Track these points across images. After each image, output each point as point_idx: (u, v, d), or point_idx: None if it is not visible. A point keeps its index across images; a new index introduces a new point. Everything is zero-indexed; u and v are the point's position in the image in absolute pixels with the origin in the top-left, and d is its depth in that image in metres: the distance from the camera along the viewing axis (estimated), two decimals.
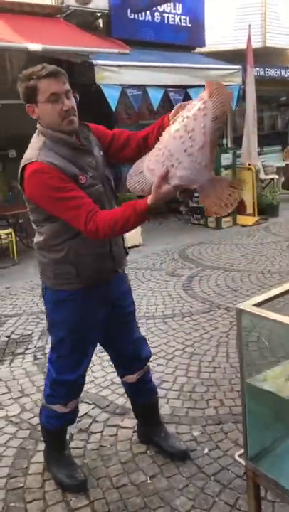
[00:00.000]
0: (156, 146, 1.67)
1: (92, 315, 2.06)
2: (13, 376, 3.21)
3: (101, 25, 7.43)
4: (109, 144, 2.02)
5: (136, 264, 5.82)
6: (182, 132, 1.55)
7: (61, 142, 1.85)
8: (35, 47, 5.08)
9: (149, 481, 2.20)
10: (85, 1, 6.95)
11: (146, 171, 1.67)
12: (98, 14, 7.33)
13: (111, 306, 2.12)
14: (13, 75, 7.97)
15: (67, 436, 2.37)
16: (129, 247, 6.40)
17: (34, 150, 1.83)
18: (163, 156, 1.60)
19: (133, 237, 6.59)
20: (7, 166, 8.28)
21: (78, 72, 7.28)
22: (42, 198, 1.80)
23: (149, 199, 1.68)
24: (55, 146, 1.83)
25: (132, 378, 2.30)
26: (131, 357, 2.26)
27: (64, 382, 2.12)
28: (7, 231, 6.20)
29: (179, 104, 1.68)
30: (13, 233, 6.15)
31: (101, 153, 1.99)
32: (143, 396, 2.38)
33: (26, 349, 3.62)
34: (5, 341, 3.78)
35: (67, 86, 1.81)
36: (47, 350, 3.51)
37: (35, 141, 1.87)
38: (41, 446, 2.44)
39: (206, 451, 2.37)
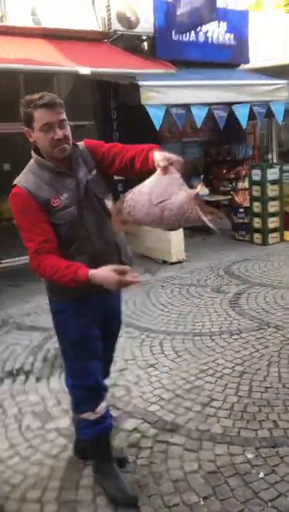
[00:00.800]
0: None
1: (89, 324, 2.11)
2: (63, 389, 3.24)
3: (146, 47, 7.61)
4: (101, 160, 2.08)
5: (180, 280, 5.81)
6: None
7: (42, 166, 2.00)
8: (84, 70, 5.26)
9: (202, 503, 2.15)
10: (131, 26, 7.15)
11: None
12: (144, 37, 7.52)
13: (107, 311, 2.21)
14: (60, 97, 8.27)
15: (118, 452, 2.35)
16: (173, 263, 6.47)
17: (22, 173, 2.03)
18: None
19: (176, 252, 6.59)
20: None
21: (124, 93, 7.49)
22: (14, 217, 2.00)
23: (91, 274, 1.84)
24: (38, 169, 2.00)
25: None
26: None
27: (82, 387, 2.16)
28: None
29: (164, 157, 1.73)
30: None
31: (92, 173, 2.05)
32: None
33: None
34: (53, 354, 3.84)
35: (63, 116, 1.92)
36: None
37: (28, 164, 2.06)
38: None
39: (261, 475, 2.28)
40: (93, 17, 7.08)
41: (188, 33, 7.61)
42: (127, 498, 2.15)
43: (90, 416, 2.17)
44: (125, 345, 3.85)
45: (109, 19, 7.09)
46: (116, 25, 7.08)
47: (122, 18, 7.09)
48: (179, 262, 6.58)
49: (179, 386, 3.18)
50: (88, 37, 6.82)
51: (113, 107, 7.46)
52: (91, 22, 7.04)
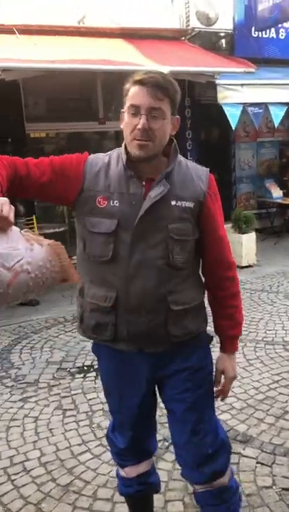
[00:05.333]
0: None
1: (121, 372, 1.66)
2: None
3: (224, 44, 7.47)
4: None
5: (250, 285, 5.66)
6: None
7: (119, 156, 1.56)
8: (163, 69, 5.23)
9: None
10: (209, 22, 7.05)
11: None
12: (222, 34, 7.38)
13: (153, 368, 1.64)
14: None
15: None
16: (243, 267, 6.31)
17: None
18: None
19: (247, 256, 6.43)
20: None
21: (199, 91, 7.41)
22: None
23: None
24: (115, 158, 1.57)
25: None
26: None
27: (111, 443, 1.85)
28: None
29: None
30: None
31: (185, 204, 1.52)
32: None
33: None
34: None
35: (161, 105, 1.43)
36: None
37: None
38: (162, 464, 2.44)
39: None
40: (171, 14, 7.05)
41: (268, 30, 7.37)
42: None
43: (120, 470, 1.87)
44: None
45: (187, 16, 7.03)
46: (194, 23, 7.01)
47: (201, 15, 7.00)
48: (250, 266, 6.41)
49: (250, 396, 3.09)
50: (166, 35, 6.80)
51: (187, 105, 7.40)
52: (169, 20, 7.01)
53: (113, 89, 7.95)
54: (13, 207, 1.18)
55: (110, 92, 7.46)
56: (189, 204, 1.53)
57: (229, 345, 1.71)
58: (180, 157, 1.59)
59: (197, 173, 1.58)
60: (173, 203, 1.51)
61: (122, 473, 1.85)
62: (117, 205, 1.50)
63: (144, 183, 1.52)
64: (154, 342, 1.57)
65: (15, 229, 1.20)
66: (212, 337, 1.74)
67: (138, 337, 1.56)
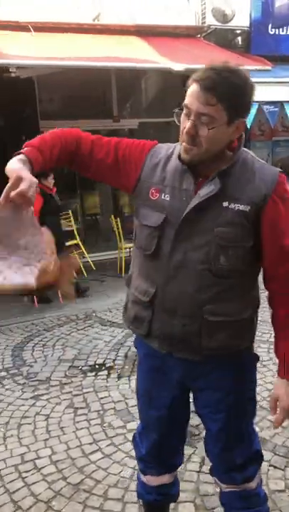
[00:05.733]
0: None
1: (154, 370, 1.61)
2: None
3: (240, 42, 7.40)
4: None
5: None
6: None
7: (177, 151, 1.47)
8: (178, 67, 5.21)
9: None
10: (226, 20, 6.99)
11: None
12: (238, 32, 7.32)
13: (184, 376, 1.57)
14: (146, 96, 8.33)
15: None
16: None
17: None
18: None
19: None
20: None
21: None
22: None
23: (20, 156, 1.34)
24: (175, 153, 1.48)
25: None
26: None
27: (136, 447, 1.79)
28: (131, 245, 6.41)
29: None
30: None
31: (238, 206, 1.37)
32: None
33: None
34: (134, 352, 3.84)
35: (213, 111, 1.29)
36: None
37: None
38: None
39: None
40: (187, 12, 7.01)
41: (285, 27, 7.28)
42: None
43: (140, 474, 1.82)
44: None
45: (203, 13, 6.98)
46: (210, 20, 6.97)
47: (217, 12, 6.95)
48: None
49: (263, 397, 3.05)
50: (181, 32, 6.77)
51: None
52: (184, 17, 6.97)
53: (128, 86, 7.96)
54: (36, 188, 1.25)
55: (125, 90, 7.46)
56: (244, 207, 1.37)
57: (284, 370, 1.50)
58: (247, 155, 1.44)
59: (262, 175, 1.40)
60: (225, 204, 1.37)
61: (144, 479, 1.79)
62: (168, 199, 1.43)
63: (200, 179, 1.41)
64: (184, 348, 1.47)
65: (30, 212, 1.27)
66: (258, 357, 1.60)
67: (169, 339, 1.49)
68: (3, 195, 1.23)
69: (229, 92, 1.29)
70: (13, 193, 1.22)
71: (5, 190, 1.23)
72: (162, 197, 1.44)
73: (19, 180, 1.23)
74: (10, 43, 5.28)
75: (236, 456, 1.58)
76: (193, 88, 1.31)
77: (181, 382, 1.57)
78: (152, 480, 1.76)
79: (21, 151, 1.34)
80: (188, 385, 1.58)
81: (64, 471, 2.44)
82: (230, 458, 1.59)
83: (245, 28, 7.25)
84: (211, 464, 1.71)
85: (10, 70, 4.57)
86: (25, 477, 2.41)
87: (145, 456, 1.73)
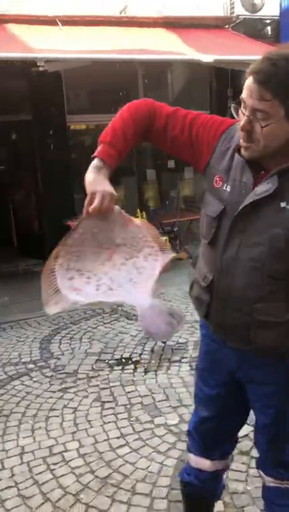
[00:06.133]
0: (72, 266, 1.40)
1: (213, 354, 1.62)
2: (171, 384, 3.23)
3: (269, 32, 7.24)
4: None
5: None
6: (130, 267, 1.43)
7: None
8: (207, 59, 5.13)
9: None
10: (255, 9, 6.84)
11: (68, 290, 1.38)
12: (267, 21, 7.16)
13: (236, 367, 1.57)
14: (173, 89, 8.25)
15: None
16: None
17: None
18: (99, 280, 1.40)
19: None
20: (163, 175, 8.58)
21: (243, 81, 7.22)
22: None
23: (95, 162, 1.40)
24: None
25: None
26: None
27: (194, 419, 1.77)
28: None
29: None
30: (167, 241, 6.31)
31: (281, 205, 1.31)
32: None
33: (182, 357, 3.62)
34: (161, 347, 3.84)
35: (268, 106, 1.22)
36: None
37: None
38: None
39: None
40: (214, 2, 6.89)
41: None
42: None
43: (188, 455, 1.83)
44: None
45: (232, 3, 6.85)
46: (239, 10, 6.83)
47: (246, 2, 6.80)
48: None
49: None
50: (209, 23, 6.66)
51: (230, 96, 7.23)
52: (212, 7, 6.86)
53: (154, 80, 7.89)
54: (113, 194, 1.35)
55: (151, 84, 7.40)
56: None
57: None
58: None
59: None
60: (282, 204, 1.30)
61: (188, 457, 1.80)
62: (228, 190, 1.39)
63: (262, 172, 1.35)
64: (236, 339, 1.47)
65: (115, 211, 1.39)
66: None
67: (223, 328, 1.50)
68: (84, 211, 1.37)
69: (287, 84, 1.19)
70: (90, 209, 1.34)
71: (84, 207, 1.36)
72: (224, 187, 1.40)
73: (93, 195, 1.33)
74: (38, 37, 5.30)
75: (285, 453, 1.56)
76: (248, 81, 1.24)
77: (233, 372, 1.57)
78: (193, 459, 1.76)
79: (95, 153, 1.40)
80: (240, 376, 1.57)
81: (92, 465, 2.45)
82: (278, 454, 1.57)
83: (275, 18, 7.08)
84: (258, 455, 1.69)
85: (38, 64, 4.58)
86: (54, 469, 2.43)
87: (191, 430, 1.75)
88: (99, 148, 1.40)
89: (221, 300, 1.46)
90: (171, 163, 7.74)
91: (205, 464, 1.73)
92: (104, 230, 1.39)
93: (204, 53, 5.38)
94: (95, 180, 1.35)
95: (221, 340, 1.54)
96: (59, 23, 5.67)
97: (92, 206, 1.33)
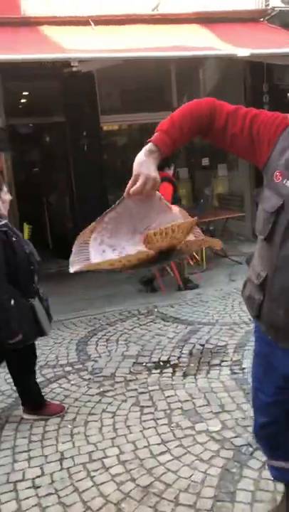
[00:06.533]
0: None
1: (267, 358, 1.60)
2: (212, 388, 3.12)
3: None
4: None
5: None
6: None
7: None
8: (243, 52, 4.98)
9: None
10: None
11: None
12: None
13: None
14: (206, 86, 8.10)
15: None
16: None
17: None
18: None
19: None
20: (197, 174, 8.46)
21: (278, 75, 7.02)
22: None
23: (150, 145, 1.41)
24: None
25: None
26: None
27: (255, 423, 1.79)
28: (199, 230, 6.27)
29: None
30: None
31: None
32: None
33: (222, 361, 3.51)
34: (200, 350, 3.74)
35: None
36: (244, 365, 3.36)
37: None
38: (247, 472, 2.28)
39: None
40: None
41: None
42: None
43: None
44: None
45: None
46: (274, 2, 6.62)
47: None
48: None
49: None
50: (244, 17, 6.48)
51: (265, 91, 7.04)
52: (247, 1, 6.68)
53: (187, 77, 7.79)
54: (156, 180, 1.36)
55: (184, 81, 7.29)
56: None
57: None
58: None
59: None
60: None
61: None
62: (288, 185, 1.36)
63: None
64: (286, 340, 1.45)
65: (156, 196, 1.40)
66: None
67: (274, 328, 1.47)
68: (126, 191, 1.38)
69: None
70: (131, 191, 1.36)
71: (127, 187, 1.38)
72: (284, 182, 1.37)
73: (137, 177, 1.35)
74: (71, 37, 5.28)
75: None
76: None
77: (286, 375, 1.53)
78: (268, 461, 1.80)
79: (151, 138, 1.41)
80: None
81: (132, 472, 2.38)
82: None
83: None
84: None
85: (72, 64, 4.55)
86: (94, 476, 2.37)
87: (255, 434, 1.79)
88: (155, 135, 1.42)
89: (273, 299, 1.44)
90: (205, 161, 7.61)
91: (280, 464, 1.74)
92: (142, 213, 1.40)
93: (239, 47, 5.23)
94: (143, 162, 1.36)
95: (273, 342, 1.51)
96: (92, 23, 5.65)
97: (134, 188, 1.35)
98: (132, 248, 1.36)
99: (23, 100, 7.50)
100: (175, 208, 1.48)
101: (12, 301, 2.49)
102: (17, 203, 6.95)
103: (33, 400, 2.92)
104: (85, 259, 1.37)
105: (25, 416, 2.92)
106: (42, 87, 6.69)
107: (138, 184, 1.34)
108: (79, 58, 4.65)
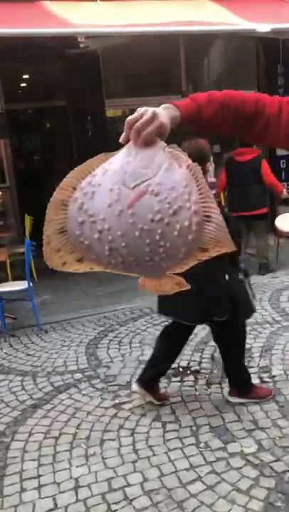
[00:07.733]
0: None
1: None
2: (241, 401, 2.79)
3: None
4: None
5: None
6: (152, 236, 0.97)
7: None
8: (263, 28, 4.59)
9: None
10: None
11: (76, 239, 1.03)
12: None
13: None
14: (216, 67, 7.68)
15: None
16: None
17: None
18: (111, 242, 1.00)
19: None
20: None
21: None
22: None
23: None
24: None
25: None
26: None
27: None
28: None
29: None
30: None
31: None
32: None
33: (248, 367, 3.17)
34: None
35: None
36: (274, 373, 3.04)
37: None
38: None
39: None
40: None
41: None
42: None
43: None
44: None
45: None
46: None
47: None
48: None
49: None
50: None
51: (280, 73, 6.64)
52: None
53: (197, 58, 7.35)
54: (164, 124, 1.01)
55: (194, 63, 6.87)
56: None
57: None
58: None
59: None
60: None
61: None
62: None
63: None
64: None
65: (159, 145, 1.01)
66: None
67: None
68: (125, 127, 1.03)
69: None
70: (135, 126, 1.00)
71: (126, 122, 1.02)
72: None
73: (140, 115, 1.02)
74: (76, 13, 4.87)
75: None
76: None
77: None
78: None
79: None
80: None
81: (160, 506, 2.05)
82: None
83: None
84: None
85: (78, 40, 4.16)
86: (116, 510, 2.05)
87: None
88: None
89: None
90: (216, 148, 7.22)
91: None
92: (137, 165, 1.00)
93: (255, 22, 4.84)
94: (153, 109, 1.04)
95: None
96: None
97: (138, 123, 1.00)
98: (116, 220, 0.98)
99: (22, 84, 7.09)
100: (188, 163, 1.01)
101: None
102: (17, 195, 6.60)
103: (238, 381, 2.79)
104: (61, 232, 1.02)
105: (231, 399, 2.78)
106: (43, 69, 6.29)
107: (139, 122, 1.00)
108: (87, 33, 4.25)
